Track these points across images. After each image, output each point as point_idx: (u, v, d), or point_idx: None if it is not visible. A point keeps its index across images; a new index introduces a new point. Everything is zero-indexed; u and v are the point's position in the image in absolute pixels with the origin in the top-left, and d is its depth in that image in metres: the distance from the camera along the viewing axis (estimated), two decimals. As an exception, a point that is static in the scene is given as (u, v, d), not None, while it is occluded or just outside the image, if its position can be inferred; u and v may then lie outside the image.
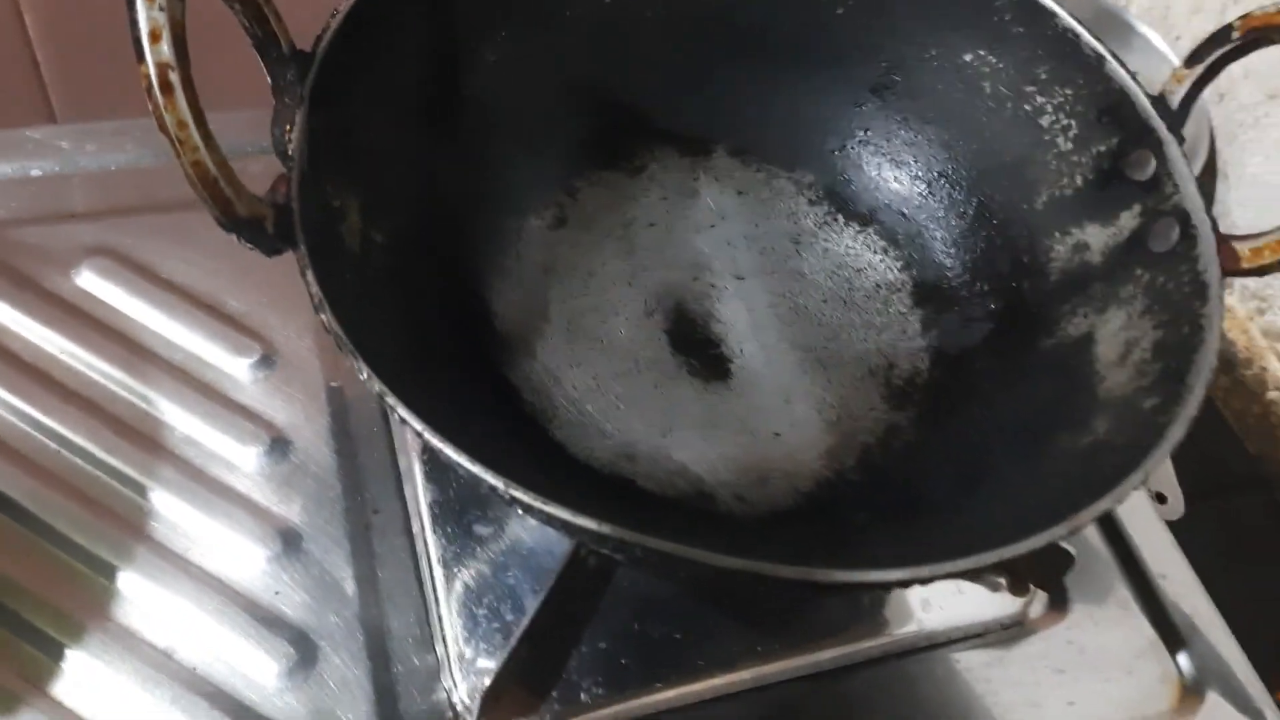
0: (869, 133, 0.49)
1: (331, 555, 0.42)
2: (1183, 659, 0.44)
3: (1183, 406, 0.33)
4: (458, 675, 0.39)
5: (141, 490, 0.43)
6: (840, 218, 0.49)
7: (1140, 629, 0.45)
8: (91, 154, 0.53)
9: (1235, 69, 0.67)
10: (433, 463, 0.44)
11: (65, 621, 0.40)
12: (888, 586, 0.39)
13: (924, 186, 0.47)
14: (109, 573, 0.41)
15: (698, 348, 0.45)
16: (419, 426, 0.29)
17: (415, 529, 0.43)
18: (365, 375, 0.30)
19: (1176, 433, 0.32)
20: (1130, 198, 0.40)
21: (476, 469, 0.29)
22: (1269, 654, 0.46)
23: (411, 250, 0.41)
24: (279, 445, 0.45)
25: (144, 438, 0.44)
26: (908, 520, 0.39)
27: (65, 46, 0.68)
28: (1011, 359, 0.42)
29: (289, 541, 0.43)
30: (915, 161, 0.48)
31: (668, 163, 0.50)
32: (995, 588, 0.44)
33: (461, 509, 0.43)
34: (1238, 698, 0.44)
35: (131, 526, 0.42)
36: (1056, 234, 0.43)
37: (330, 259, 0.34)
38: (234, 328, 0.48)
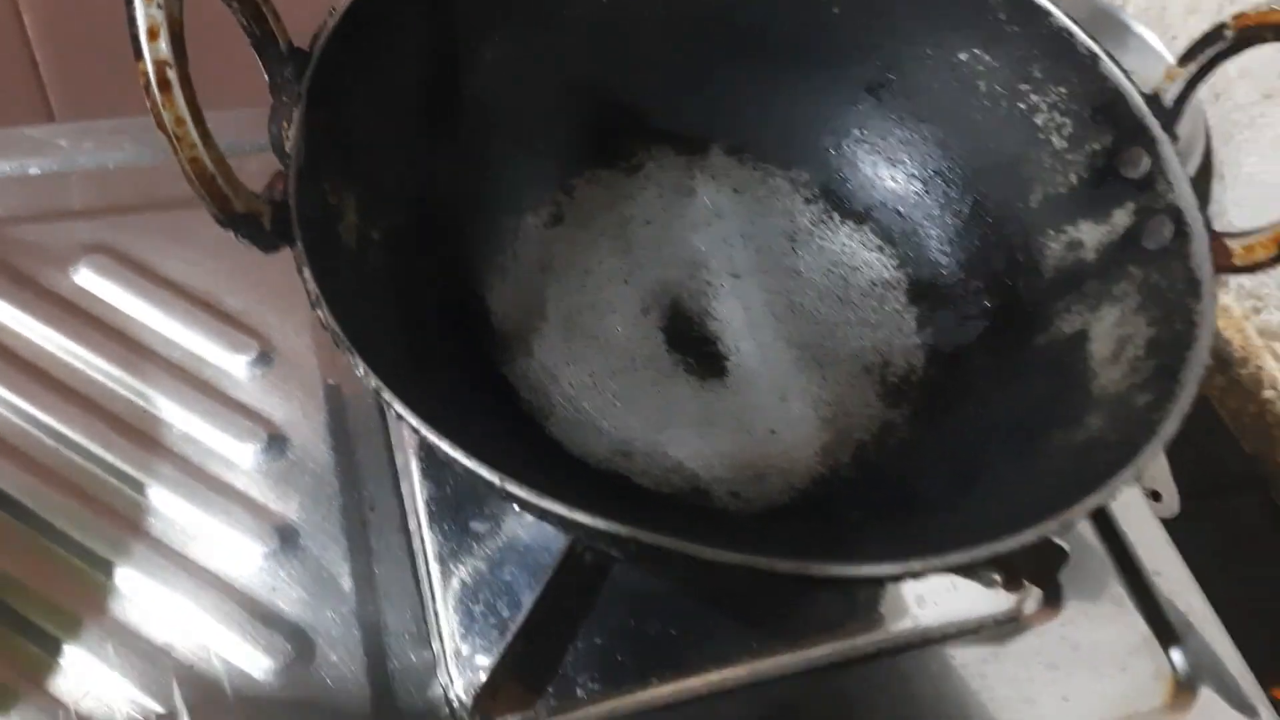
0: (865, 131, 0.49)
1: (328, 552, 0.43)
2: (1176, 655, 0.45)
3: (1175, 403, 0.33)
4: (454, 671, 0.40)
5: (139, 487, 0.43)
6: (836, 216, 0.49)
7: (1134, 625, 0.45)
8: (89, 152, 0.53)
9: (1231, 69, 0.68)
10: (429, 460, 0.44)
11: (63, 617, 0.40)
12: (881, 580, 0.40)
13: (919, 185, 0.48)
14: (107, 569, 0.41)
15: (694, 345, 0.46)
16: (415, 422, 0.30)
17: (412, 526, 0.43)
18: (362, 371, 0.30)
19: (1169, 429, 0.33)
20: (1124, 195, 0.40)
21: (472, 464, 0.29)
22: (1265, 652, 0.46)
23: (409, 248, 0.41)
24: (276, 442, 0.45)
25: (142, 435, 0.44)
26: (903, 517, 0.39)
27: (63, 45, 0.68)
28: (1006, 356, 0.42)
29: (286, 538, 0.43)
30: (910, 160, 0.48)
31: (664, 161, 0.50)
32: (990, 584, 0.44)
33: (458, 506, 0.43)
34: (1231, 694, 0.44)
35: (129, 523, 0.42)
36: (1051, 232, 0.43)
37: (327, 256, 0.34)
38: (232, 325, 0.48)
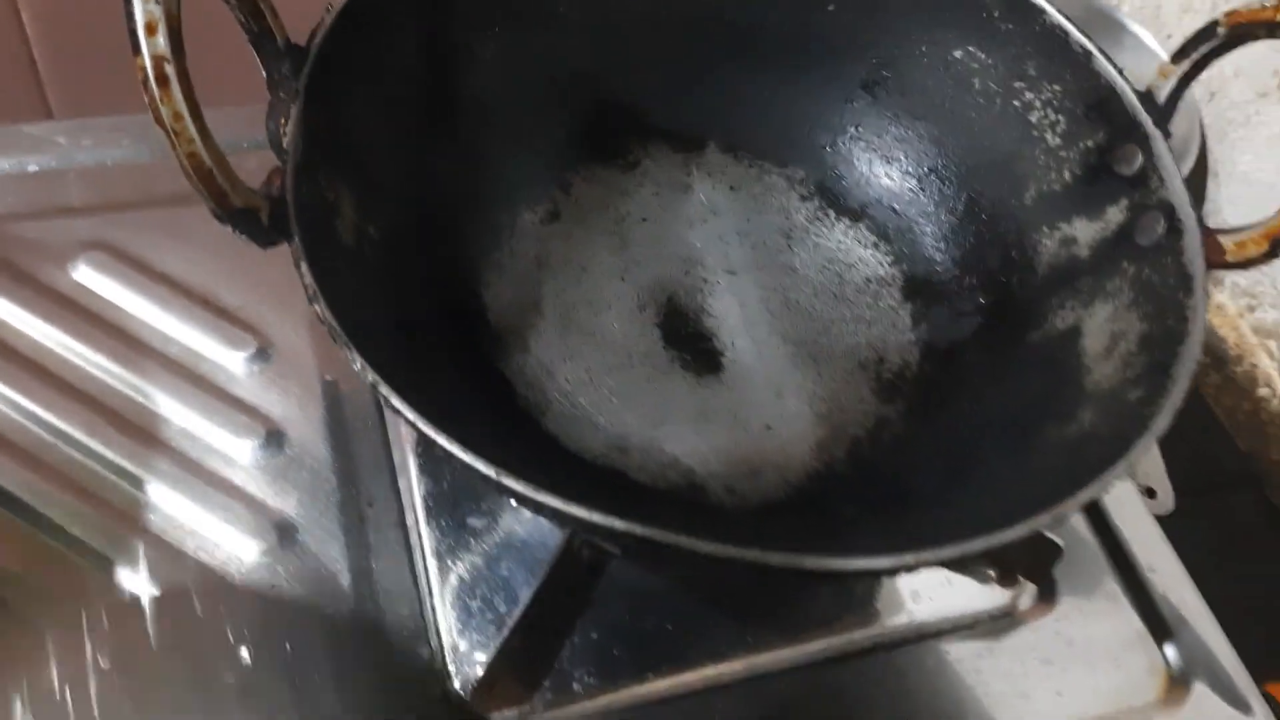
0: (860, 129, 0.49)
1: (326, 547, 0.43)
2: (1170, 650, 0.45)
3: (1168, 397, 0.34)
4: (451, 665, 0.40)
5: (138, 483, 0.43)
6: (831, 213, 0.49)
7: (1128, 621, 0.45)
8: (88, 149, 0.53)
9: (1226, 68, 0.68)
10: (427, 455, 0.44)
11: (62, 613, 0.40)
12: (874, 574, 0.40)
13: (914, 182, 0.48)
14: (105, 565, 0.41)
15: (690, 342, 0.46)
16: (411, 416, 0.30)
17: (410, 521, 0.44)
18: (359, 366, 0.31)
19: (1161, 423, 0.33)
20: (1117, 192, 0.41)
21: (469, 457, 0.29)
22: (1259, 648, 0.46)
23: (406, 244, 0.41)
24: (274, 438, 0.45)
25: (140, 431, 0.45)
26: (897, 513, 0.39)
27: (62, 43, 0.68)
28: (1000, 352, 0.43)
29: (284, 534, 0.43)
30: (906, 157, 0.48)
31: (661, 158, 0.50)
32: (985, 580, 0.44)
33: (455, 502, 0.43)
34: (1224, 688, 0.44)
35: (128, 519, 0.42)
36: (1045, 229, 0.43)
37: (325, 252, 0.34)
38: (229, 321, 0.48)
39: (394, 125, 0.41)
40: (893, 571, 0.30)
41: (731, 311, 0.47)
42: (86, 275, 0.49)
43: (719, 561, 0.29)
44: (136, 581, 0.41)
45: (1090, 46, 0.41)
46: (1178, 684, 0.44)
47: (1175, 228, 0.38)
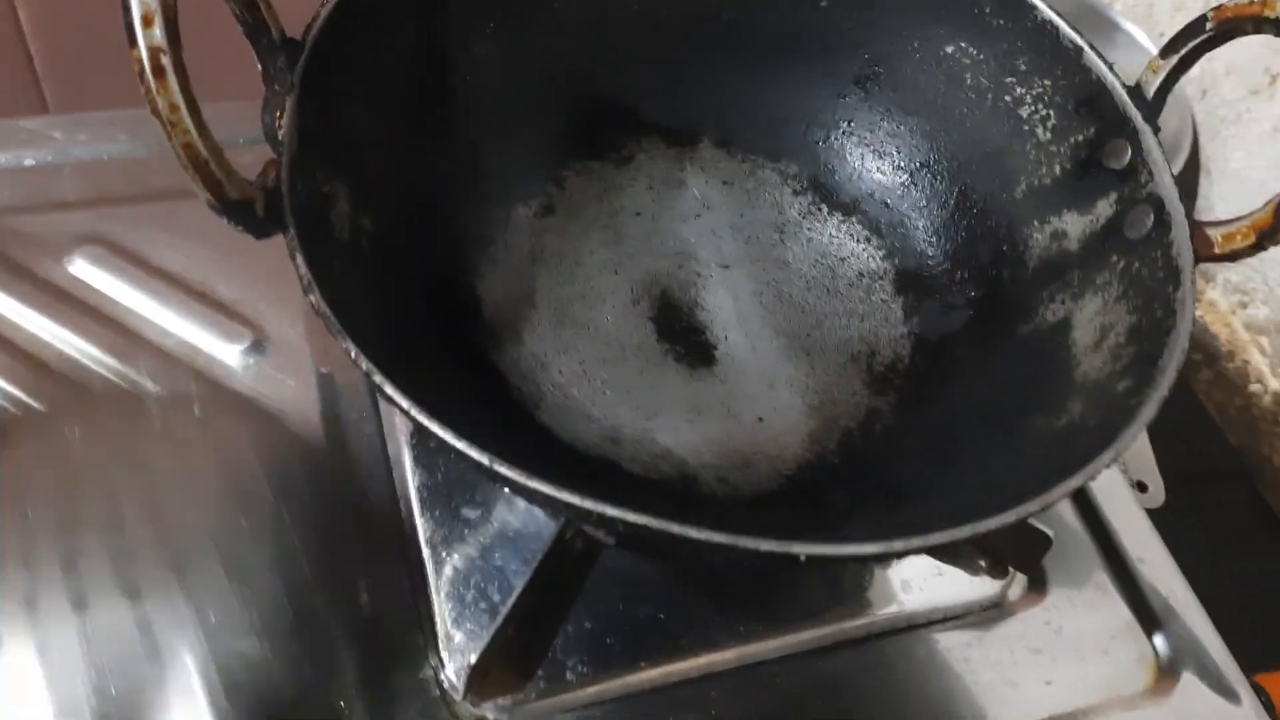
0: (852, 124, 0.49)
1: (321, 539, 0.43)
2: (1159, 640, 0.45)
3: (1155, 388, 0.34)
4: (445, 654, 0.40)
5: (134, 474, 0.44)
6: (824, 207, 0.50)
7: (1117, 611, 0.46)
8: (84, 144, 0.54)
9: (1218, 66, 0.68)
10: (421, 447, 0.45)
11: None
12: (864, 560, 0.40)
13: (906, 177, 0.48)
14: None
15: (683, 335, 0.46)
16: (405, 404, 0.30)
17: (404, 512, 0.44)
18: (353, 355, 0.31)
19: (1148, 413, 0.33)
20: (1107, 186, 0.41)
21: (461, 445, 0.29)
22: (1248, 641, 0.46)
23: (400, 238, 0.41)
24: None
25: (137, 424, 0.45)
26: (888, 502, 0.39)
27: (58, 38, 0.69)
28: (991, 345, 0.43)
29: (279, 524, 0.43)
30: (898, 152, 0.48)
31: (654, 153, 0.50)
32: (975, 570, 0.44)
33: (450, 493, 0.44)
34: (1212, 679, 0.44)
35: (124, 510, 0.43)
36: (1035, 222, 0.43)
37: (320, 243, 0.34)
38: (225, 314, 0.48)
39: (389, 119, 0.42)
40: (882, 558, 0.30)
41: (725, 305, 0.47)
42: (83, 269, 0.49)
43: (710, 548, 0.29)
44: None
45: (1080, 42, 0.42)
46: (1166, 674, 0.44)
47: (1164, 221, 0.38)
